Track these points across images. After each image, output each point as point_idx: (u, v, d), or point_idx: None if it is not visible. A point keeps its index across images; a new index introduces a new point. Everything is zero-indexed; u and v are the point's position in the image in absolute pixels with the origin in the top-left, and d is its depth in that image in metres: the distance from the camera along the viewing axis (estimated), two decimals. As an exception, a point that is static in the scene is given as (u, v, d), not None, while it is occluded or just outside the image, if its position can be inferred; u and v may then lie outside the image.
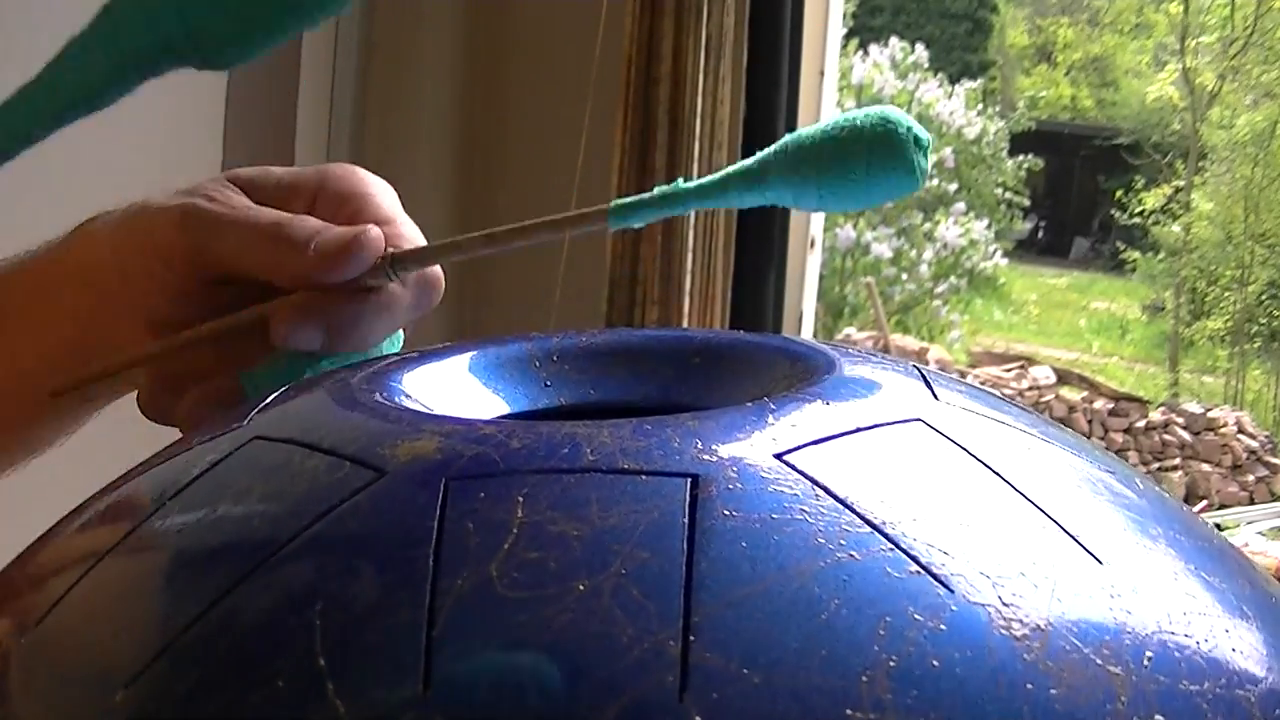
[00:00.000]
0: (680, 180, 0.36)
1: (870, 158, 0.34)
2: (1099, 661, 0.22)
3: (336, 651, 0.22)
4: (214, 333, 0.39)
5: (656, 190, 0.36)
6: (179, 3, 0.31)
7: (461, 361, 0.36)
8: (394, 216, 0.41)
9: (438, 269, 0.41)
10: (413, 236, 0.42)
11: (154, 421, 0.41)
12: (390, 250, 0.39)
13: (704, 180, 0.36)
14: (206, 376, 0.40)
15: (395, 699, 0.21)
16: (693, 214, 1.61)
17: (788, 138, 0.35)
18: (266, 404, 0.32)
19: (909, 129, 0.34)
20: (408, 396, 0.32)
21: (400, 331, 0.42)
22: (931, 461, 0.27)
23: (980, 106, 7.21)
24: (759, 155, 0.36)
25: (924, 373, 0.32)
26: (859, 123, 0.34)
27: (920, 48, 6.77)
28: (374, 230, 0.39)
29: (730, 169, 0.36)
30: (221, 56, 0.32)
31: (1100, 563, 0.25)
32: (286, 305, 0.38)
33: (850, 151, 0.34)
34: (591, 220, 0.36)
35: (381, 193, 0.43)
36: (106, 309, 0.41)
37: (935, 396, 0.30)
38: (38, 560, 0.30)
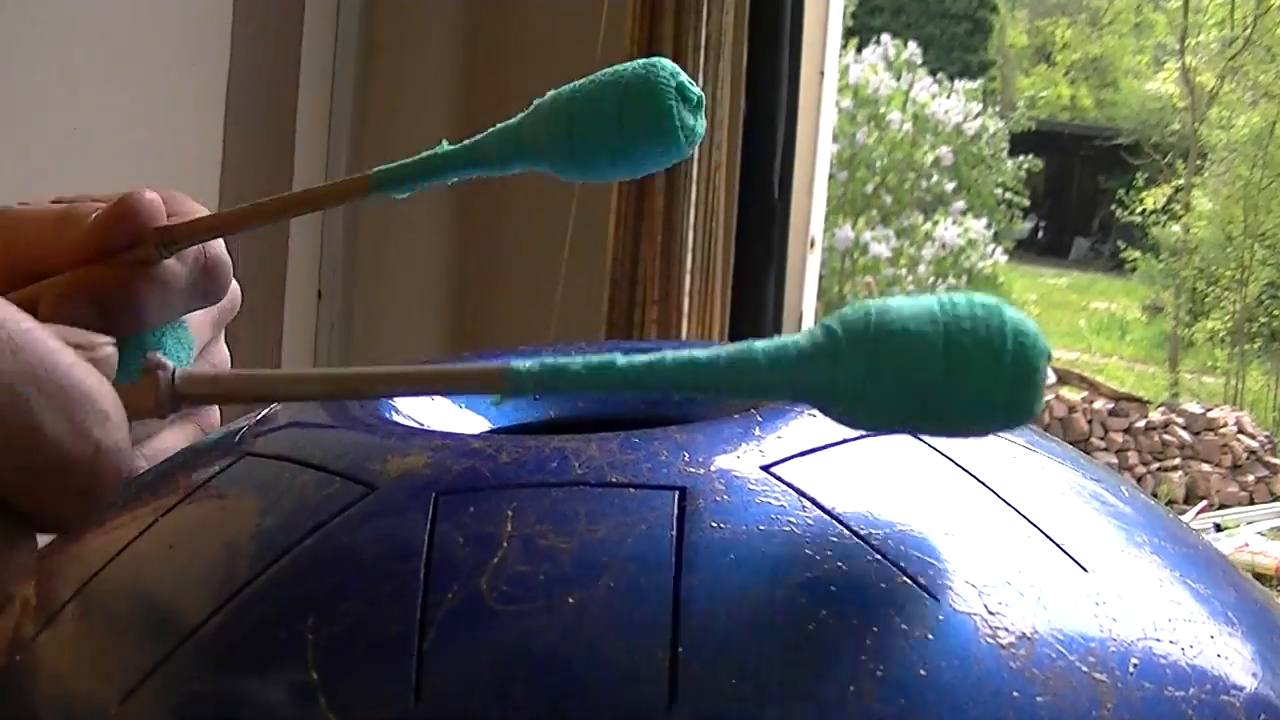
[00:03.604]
0: (444, 143, 0.33)
1: (624, 107, 0.30)
2: (1084, 669, 0.23)
3: (329, 664, 0.22)
4: None
5: (418, 155, 0.33)
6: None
7: None
8: (191, 210, 0.39)
9: (222, 254, 0.39)
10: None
11: None
12: (162, 225, 0.37)
13: (464, 143, 0.32)
14: None
15: (387, 711, 0.21)
16: (692, 213, 1.61)
17: (550, 93, 0.32)
18: (256, 421, 0.33)
19: (672, 75, 0.30)
20: (397, 411, 0.32)
21: (190, 332, 0.40)
22: (917, 472, 0.27)
23: (979, 105, 7.19)
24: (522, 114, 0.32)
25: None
26: (619, 71, 0.30)
27: (913, 45, 6.75)
28: (147, 194, 0.37)
29: (491, 129, 0.32)
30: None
31: (1086, 571, 0.25)
32: (54, 283, 0.37)
33: (604, 100, 0.30)
34: (353, 189, 0.34)
35: (186, 198, 0.41)
36: None
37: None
38: (30, 579, 0.30)
